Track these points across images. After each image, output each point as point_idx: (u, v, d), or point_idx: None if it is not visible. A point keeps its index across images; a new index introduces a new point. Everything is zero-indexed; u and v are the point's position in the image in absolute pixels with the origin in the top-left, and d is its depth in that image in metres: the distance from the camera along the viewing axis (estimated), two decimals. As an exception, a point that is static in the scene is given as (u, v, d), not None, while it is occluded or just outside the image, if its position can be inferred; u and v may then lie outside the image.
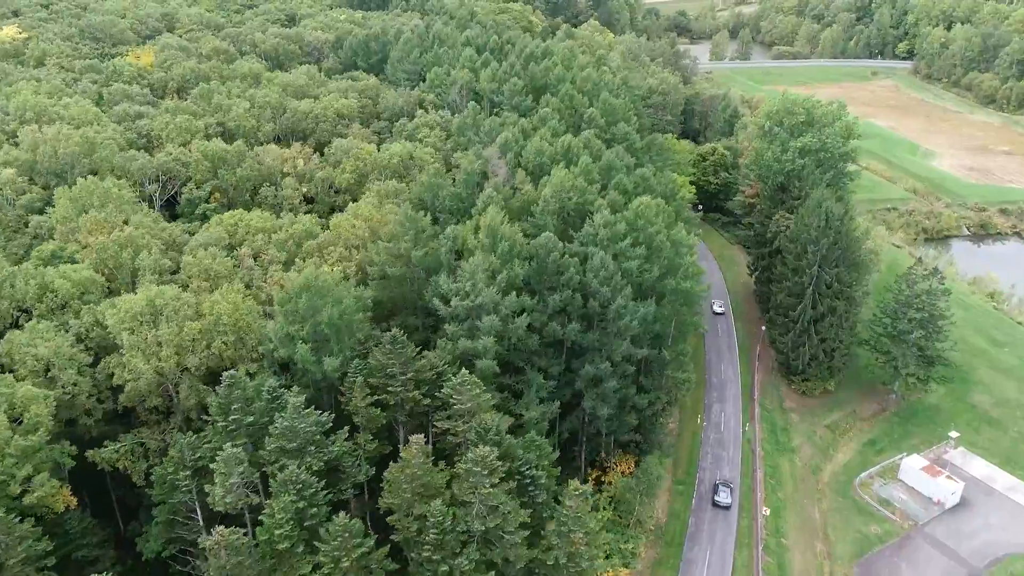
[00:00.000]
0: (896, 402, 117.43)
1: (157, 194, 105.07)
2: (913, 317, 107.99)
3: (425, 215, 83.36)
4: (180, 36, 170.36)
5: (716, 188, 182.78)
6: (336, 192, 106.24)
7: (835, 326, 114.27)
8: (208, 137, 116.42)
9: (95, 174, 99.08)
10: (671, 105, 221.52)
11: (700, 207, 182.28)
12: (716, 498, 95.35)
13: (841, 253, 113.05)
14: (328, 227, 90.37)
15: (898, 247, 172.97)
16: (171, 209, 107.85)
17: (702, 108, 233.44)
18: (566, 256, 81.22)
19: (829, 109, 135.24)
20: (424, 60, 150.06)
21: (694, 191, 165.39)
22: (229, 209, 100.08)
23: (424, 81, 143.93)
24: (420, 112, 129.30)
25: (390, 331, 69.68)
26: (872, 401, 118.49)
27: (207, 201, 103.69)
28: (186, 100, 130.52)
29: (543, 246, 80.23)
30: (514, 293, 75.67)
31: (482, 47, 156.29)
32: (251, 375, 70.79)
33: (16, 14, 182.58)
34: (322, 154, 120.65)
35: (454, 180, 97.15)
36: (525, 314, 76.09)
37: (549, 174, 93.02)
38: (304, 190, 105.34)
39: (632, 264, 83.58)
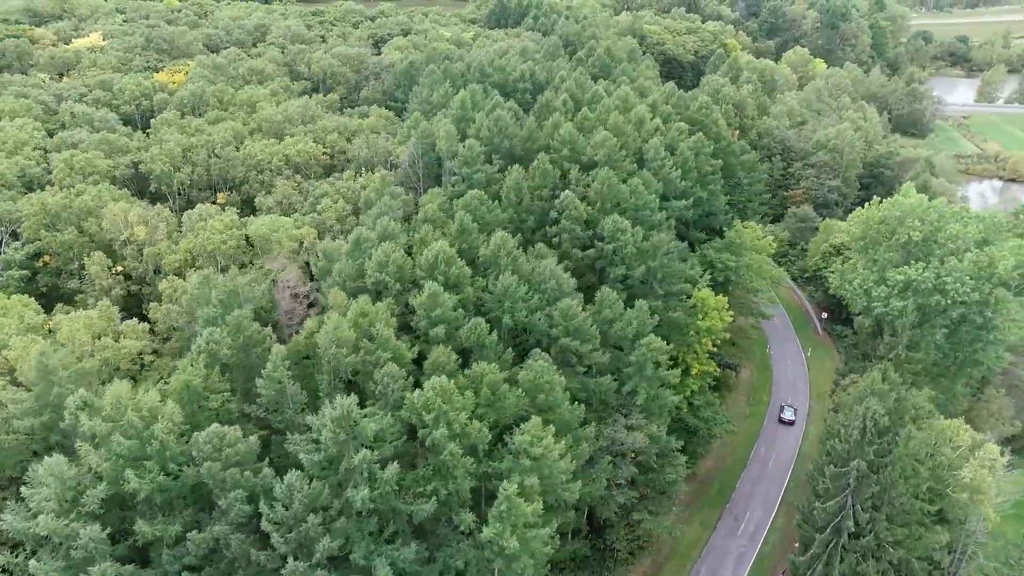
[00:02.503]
0: None
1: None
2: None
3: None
4: (242, 51, 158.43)
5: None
6: (157, 273, 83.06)
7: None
8: (114, 181, 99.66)
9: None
10: (844, 166, 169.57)
11: (825, 315, 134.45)
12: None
13: (886, 495, 66.92)
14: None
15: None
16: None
17: (893, 173, 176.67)
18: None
19: (964, 230, 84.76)
20: (443, 98, 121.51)
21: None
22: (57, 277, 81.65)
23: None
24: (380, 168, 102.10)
25: None
26: None
27: (32, 265, 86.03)
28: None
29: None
30: None
31: (518, 87, 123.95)
32: None
33: (119, 11, 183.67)
34: (243, 211, 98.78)
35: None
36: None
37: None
38: (129, 267, 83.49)
39: None
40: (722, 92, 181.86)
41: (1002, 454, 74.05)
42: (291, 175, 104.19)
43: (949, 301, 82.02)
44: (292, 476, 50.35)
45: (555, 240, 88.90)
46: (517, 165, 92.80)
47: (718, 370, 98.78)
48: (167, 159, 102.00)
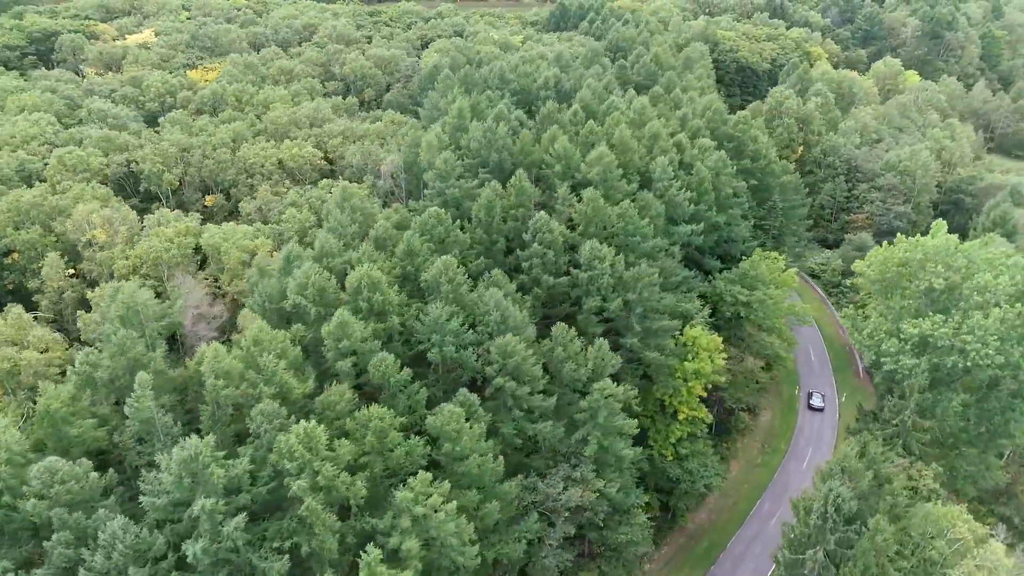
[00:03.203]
0: None
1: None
2: None
3: None
4: (282, 51, 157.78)
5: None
6: (112, 278, 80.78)
7: None
8: (106, 180, 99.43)
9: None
10: (916, 190, 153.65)
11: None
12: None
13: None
14: None
15: None
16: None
17: (975, 201, 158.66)
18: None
19: (995, 281, 71.81)
20: (450, 104, 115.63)
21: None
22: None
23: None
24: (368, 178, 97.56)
25: None
26: None
27: (1, 262, 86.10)
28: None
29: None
30: None
31: (536, 94, 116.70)
32: None
33: (185, 8, 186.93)
34: (229, 216, 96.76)
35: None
36: None
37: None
38: (86, 270, 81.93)
39: None
40: (785, 105, 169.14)
41: (1011, 550, 62.14)
42: (281, 180, 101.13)
43: (969, 363, 69.87)
44: (117, 522, 45.92)
45: (525, 265, 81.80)
46: (494, 181, 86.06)
47: (710, 416, 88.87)
48: (160, 159, 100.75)
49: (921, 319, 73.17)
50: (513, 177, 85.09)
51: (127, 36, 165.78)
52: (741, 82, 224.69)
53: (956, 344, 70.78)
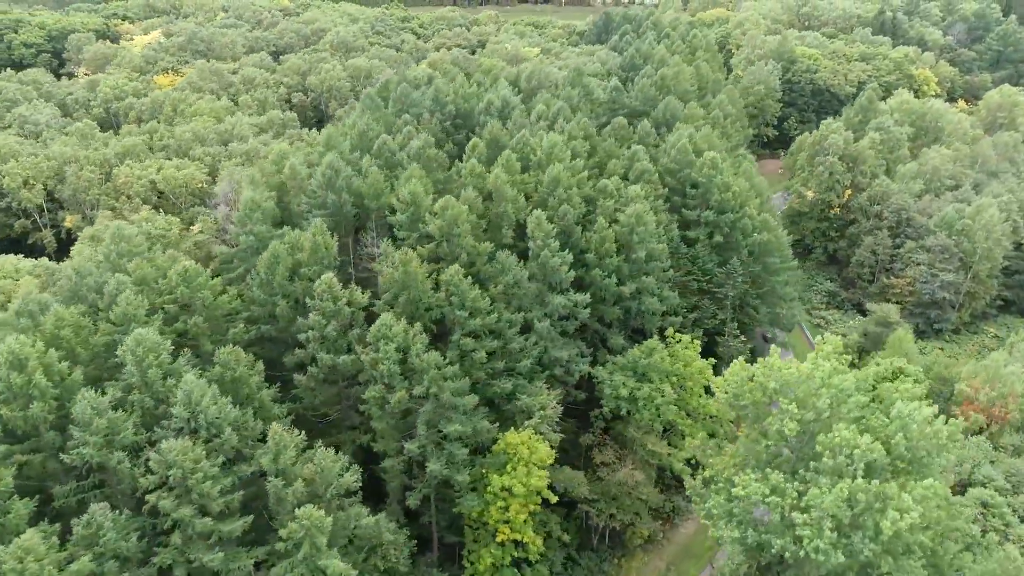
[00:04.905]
0: None
1: None
2: None
3: None
4: (271, 57, 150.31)
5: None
6: None
7: None
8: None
9: None
10: (976, 256, 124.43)
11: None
12: None
13: None
14: None
15: None
16: None
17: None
18: None
19: (856, 440, 49.22)
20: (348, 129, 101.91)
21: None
22: None
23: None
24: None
25: None
26: None
27: None
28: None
29: None
30: None
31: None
32: None
33: (224, 9, 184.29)
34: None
35: None
36: None
37: None
38: None
39: None
40: (829, 140, 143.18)
41: None
42: (151, 203, 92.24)
43: (802, 553, 48.56)
44: None
45: (303, 338, 67.21)
46: (295, 231, 72.13)
47: (541, 545, 70.29)
48: (27, 173, 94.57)
49: (756, 476, 52.20)
50: (313, 227, 70.78)
51: (133, 38, 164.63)
52: (818, 107, 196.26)
53: (788, 521, 49.68)
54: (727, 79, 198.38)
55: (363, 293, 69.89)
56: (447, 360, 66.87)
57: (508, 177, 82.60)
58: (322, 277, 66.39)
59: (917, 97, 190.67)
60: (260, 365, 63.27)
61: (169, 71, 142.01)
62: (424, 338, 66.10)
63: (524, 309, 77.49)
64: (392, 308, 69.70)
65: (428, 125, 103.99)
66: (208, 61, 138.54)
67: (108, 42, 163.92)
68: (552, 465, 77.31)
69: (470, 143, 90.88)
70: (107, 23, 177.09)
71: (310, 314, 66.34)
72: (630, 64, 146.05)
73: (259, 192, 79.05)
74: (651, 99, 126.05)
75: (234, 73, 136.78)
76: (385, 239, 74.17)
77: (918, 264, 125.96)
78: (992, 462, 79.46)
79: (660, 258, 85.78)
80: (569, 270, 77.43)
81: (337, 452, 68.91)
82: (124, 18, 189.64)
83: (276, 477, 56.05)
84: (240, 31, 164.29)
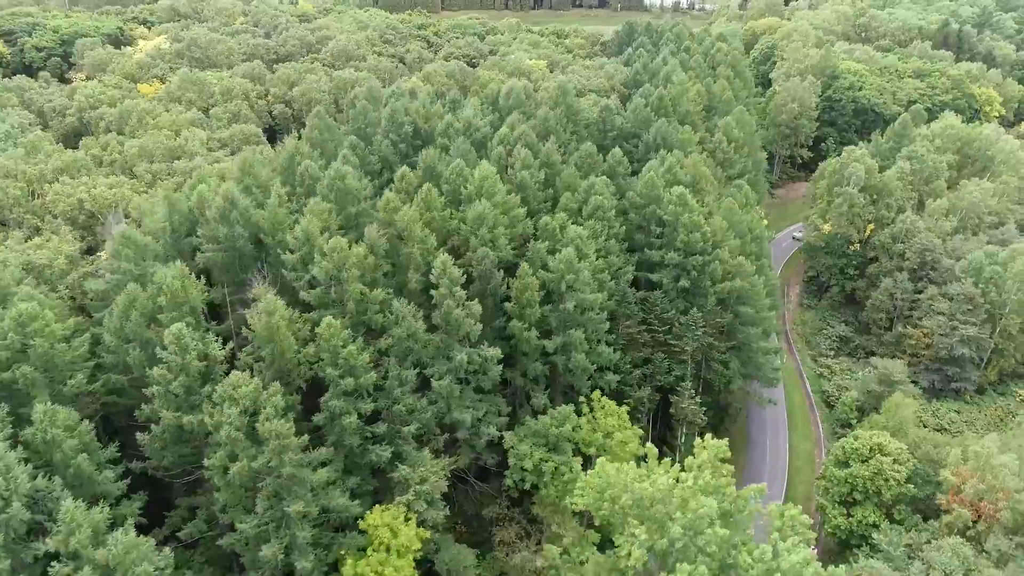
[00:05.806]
0: None
1: None
2: None
3: None
4: (270, 68, 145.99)
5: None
6: None
7: None
8: None
9: None
10: (1005, 309, 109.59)
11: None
12: None
13: None
14: None
15: None
16: None
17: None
18: None
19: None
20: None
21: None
22: None
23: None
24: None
25: None
26: None
27: None
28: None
29: None
30: None
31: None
32: None
33: (244, 14, 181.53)
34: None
35: None
36: None
37: None
38: None
39: None
40: (850, 169, 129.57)
41: None
42: (78, 224, 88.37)
43: None
44: None
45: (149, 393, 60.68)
46: (160, 270, 65.64)
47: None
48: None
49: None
50: (171, 267, 64.16)
51: (138, 43, 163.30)
52: (860, 127, 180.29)
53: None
54: (763, 95, 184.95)
55: (232, 345, 63.28)
56: (315, 422, 59.32)
57: (426, 214, 74.38)
58: (172, 327, 59.68)
59: (979, 119, 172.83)
60: (85, 425, 56.96)
61: (155, 79, 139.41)
62: (279, 400, 58.62)
63: (423, 364, 69.28)
64: (258, 363, 62.78)
65: (378, 148, 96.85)
66: (196, 71, 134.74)
67: (118, 47, 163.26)
68: (448, 535, 69.35)
69: (398, 172, 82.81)
70: (122, 27, 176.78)
71: (155, 367, 59.73)
72: (633, 80, 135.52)
73: (153, 219, 73.26)
74: (645, 120, 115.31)
75: (216, 83, 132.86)
76: (265, 282, 67.05)
77: (938, 314, 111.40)
78: (968, 574, 66.68)
79: (595, 308, 75.97)
80: (484, 321, 68.70)
81: (185, 522, 63.38)
82: (144, 22, 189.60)
83: (60, 561, 49.49)
84: (241, 38, 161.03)
